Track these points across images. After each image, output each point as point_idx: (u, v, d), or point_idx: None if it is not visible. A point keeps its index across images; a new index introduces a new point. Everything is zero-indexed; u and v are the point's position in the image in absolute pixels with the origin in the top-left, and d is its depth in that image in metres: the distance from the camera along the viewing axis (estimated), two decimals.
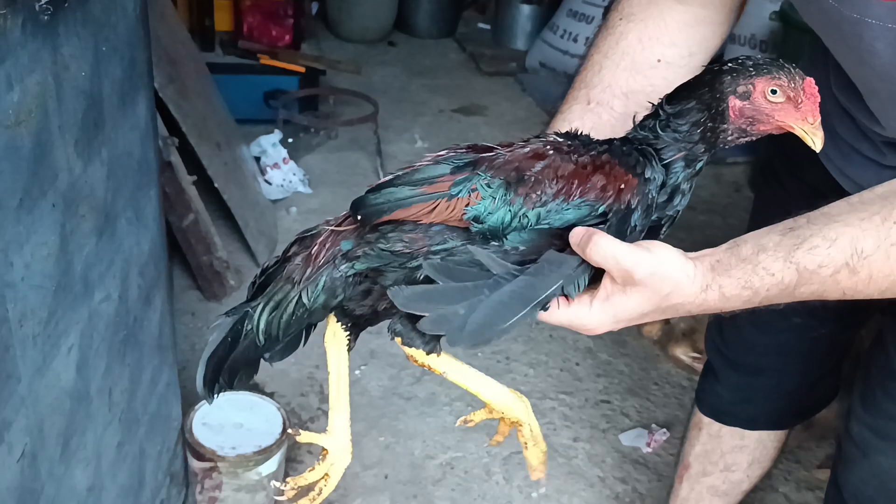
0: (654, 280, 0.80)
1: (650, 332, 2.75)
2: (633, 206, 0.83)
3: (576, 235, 0.80)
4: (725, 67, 0.85)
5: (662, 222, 0.87)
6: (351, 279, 0.86)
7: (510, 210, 0.80)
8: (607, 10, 1.20)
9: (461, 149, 0.85)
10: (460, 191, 0.81)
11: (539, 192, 0.81)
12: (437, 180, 0.82)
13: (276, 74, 3.71)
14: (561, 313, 0.83)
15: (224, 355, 0.89)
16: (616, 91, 1.06)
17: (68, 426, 1.20)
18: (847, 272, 0.80)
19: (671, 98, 0.87)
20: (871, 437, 1.24)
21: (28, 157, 0.98)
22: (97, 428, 1.32)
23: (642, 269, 0.79)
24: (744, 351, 1.54)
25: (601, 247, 0.79)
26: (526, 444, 0.94)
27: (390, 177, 0.84)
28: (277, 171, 3.27)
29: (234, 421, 1.89)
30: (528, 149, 0.85)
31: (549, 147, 0.85)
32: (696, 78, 0.87)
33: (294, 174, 3.30)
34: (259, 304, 0.88)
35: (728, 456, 1.65)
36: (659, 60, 1.07)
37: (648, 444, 2.33)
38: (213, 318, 2.56)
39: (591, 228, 0.80)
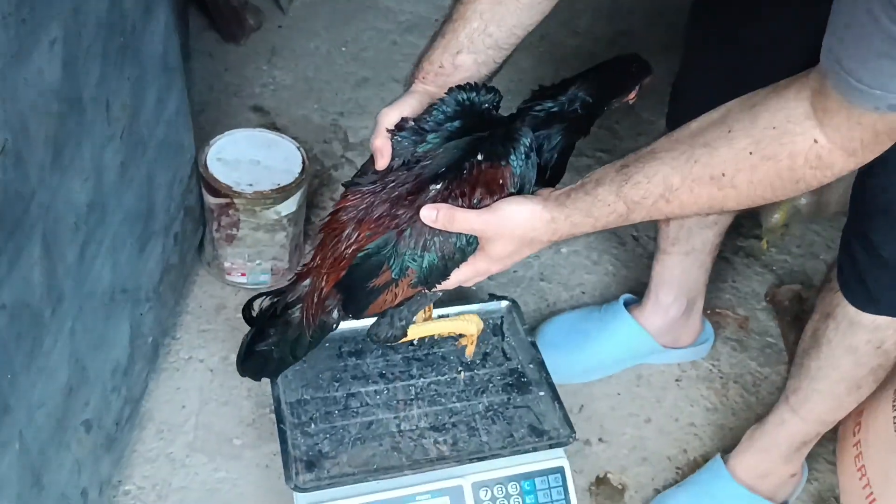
0: (504, 230, 1.06)
1: None
2: (511, 189, 1.09)
3: (431, 218, 1.06)
4: (643, 64, 1.22)
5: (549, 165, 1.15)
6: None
7: (435, 258, 1.10)
8: None
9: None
10: (400, 274, 1.11)
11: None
12: (381, 273, 1.11)
13: None
14: (460, 273, 1.13)
15: (261, 362, 1.30)
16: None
17: (58, 132, 1.09)
18: (664, 202, 1.00)
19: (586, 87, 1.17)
20: None
21: None
22: (94, 141, 1.21)
23: (491, 227, 1.06)
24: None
25: (458, 220, 1.06)
26: (469, 344, 1.40)
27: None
28: None
29: (251, 158, 1.78)
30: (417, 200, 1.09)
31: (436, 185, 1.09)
32: (602, 73, 1.19)
33: None
34: (278, 342, 1.26)
35: None
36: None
37: None
38: (231, 59, 2.42)
39: (442, 206, 1.06)
